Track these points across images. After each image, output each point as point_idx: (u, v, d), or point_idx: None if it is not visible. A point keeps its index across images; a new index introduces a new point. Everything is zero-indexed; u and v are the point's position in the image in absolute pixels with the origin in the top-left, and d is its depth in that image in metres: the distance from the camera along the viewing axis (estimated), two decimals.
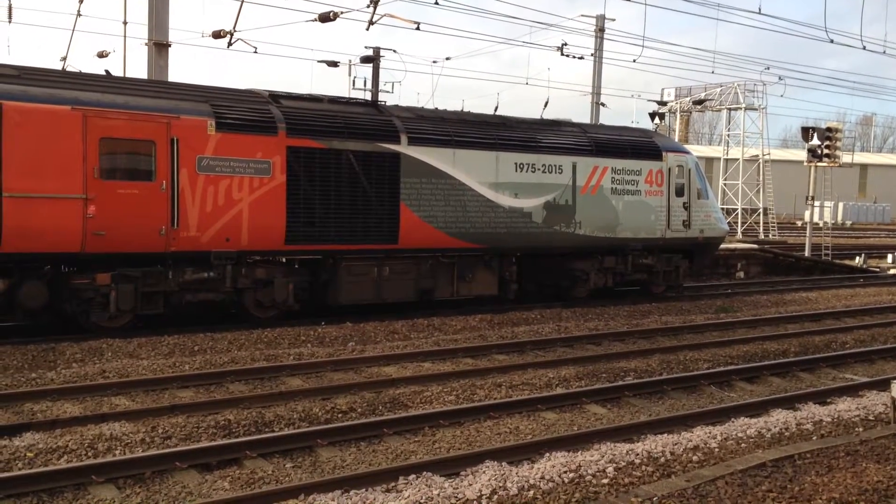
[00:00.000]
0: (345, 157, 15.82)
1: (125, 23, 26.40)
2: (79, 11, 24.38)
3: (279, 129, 15.13)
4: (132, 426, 9.14)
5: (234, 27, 21.44)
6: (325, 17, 21.91)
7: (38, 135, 12.89)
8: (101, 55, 30.47)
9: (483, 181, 17.68)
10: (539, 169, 18.57)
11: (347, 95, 33.19)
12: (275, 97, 15.85)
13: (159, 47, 19.11)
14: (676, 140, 34.95)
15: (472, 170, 17.50)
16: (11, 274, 13.20)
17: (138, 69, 21.28)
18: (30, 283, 13.33)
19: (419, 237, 16.86)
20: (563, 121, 20.59)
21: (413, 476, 7.84)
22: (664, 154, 20.97)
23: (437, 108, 19.07)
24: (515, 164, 18.20)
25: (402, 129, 16.72)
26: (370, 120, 16.51)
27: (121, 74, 15.47)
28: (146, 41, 19.37)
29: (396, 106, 17.94)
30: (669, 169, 20.91)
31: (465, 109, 19.70)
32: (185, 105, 14.37)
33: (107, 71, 15.63)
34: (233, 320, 15.55)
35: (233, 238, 14.67)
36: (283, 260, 15.84)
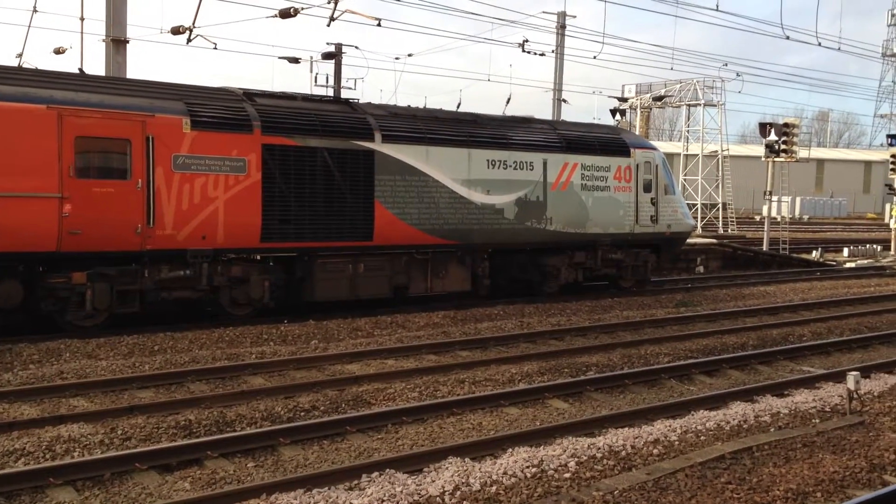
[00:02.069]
0: (319, 154, 15.90)
1: (82, 19, 26.06)
2: (35, 7, 24.04)
3: (254, 126, 15.18)
4: (91, 427, 9.04)
5: (194, 23, 21.29)
6: (285, 14, 21.79)
7: (13, 133, 12.85)
8: (58, 52, 30.04)
9: (456, 178, 17.84)
10: (510, 166, 18.75)
11: (309, 92, 32.93)
12: (249, 95, 15.91)
13: (117, 44, 18.89)
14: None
15: (444, 167, 17.64)
16: None
17: (96, 66, 21.07)
18: (5, 282, 13.26)
19: (393, 234, 16.95)
20: (533, 118, 20.75)
21: (376, 474, 7.84)
22: (632, 150, 21.29)
23: (409, 106, 19.16)
24: (487, 160, 18.37)
25: (376, 127, 16.82)
26: (344, 118, 16.61)
27: (78, 71, 15.23)
28: (104, 38, 19.13)
29: (369, 104, 18.04)
30: (637, 165, 21.23)
31: (428, 106, 19.71)
32: (159, 103, 14.37)
33: (80, 69, 15.51)
34: (207, 319, 15.44)
35: (209, 236, 14.69)
36: (258, 258, 15.79)
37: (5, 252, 12.94)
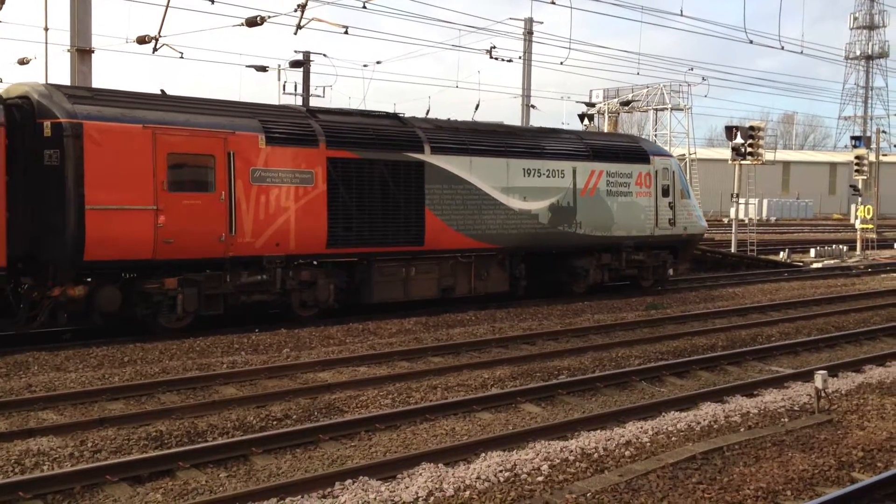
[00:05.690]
0: (377, 166, 17.16)
1: (46, 29, 25.74)
2: None
3: (320, 141, 16.44)
4: (60, 440, 8.96)
5: (160, 32, 21.12)
6: (252, 22, 21.71)
7: (114, 152, 13.99)
8: (23, 62, 29.72)
9: (496, 186, 19.08)
10: (544, 174, 20.04)
11: (278, 100, 32.82)
12: (312, 112, 17.29)
13: (82, 53, 18.71)
14: None
15: (486, 175, 18.90)
16: (89, 280, 14.18)
17: (61, 76, 20.87)
18: (106, 288, 14.29)
19: (442, 239, 18.21)
20: (561, 129, 22.07)
21: (349, 481, 7.83)
22: (651, 157, 22.69)
23: (449, 119, 20.20)
24: (523, 169, 19.63)
25: (425, 140, 18.10)
26: (397, 131, 17.89)
27: (160, 92, 16.24)
28: (69, 47, 18.95)
29: (414, 117, 19.21)
30: (656, 171, 22.60)
31: (398, 112, 19.90)
32: (238, 121, 15.59)
33: (162, 90, 16.35)
34: (270, 320, 16.41)
35: (282, 243, 15.89)
36: (315, 263, 16.74)
37: (110, 260, 14.13)
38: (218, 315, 15.56)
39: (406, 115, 18.98)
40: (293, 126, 16.27)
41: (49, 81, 16.10)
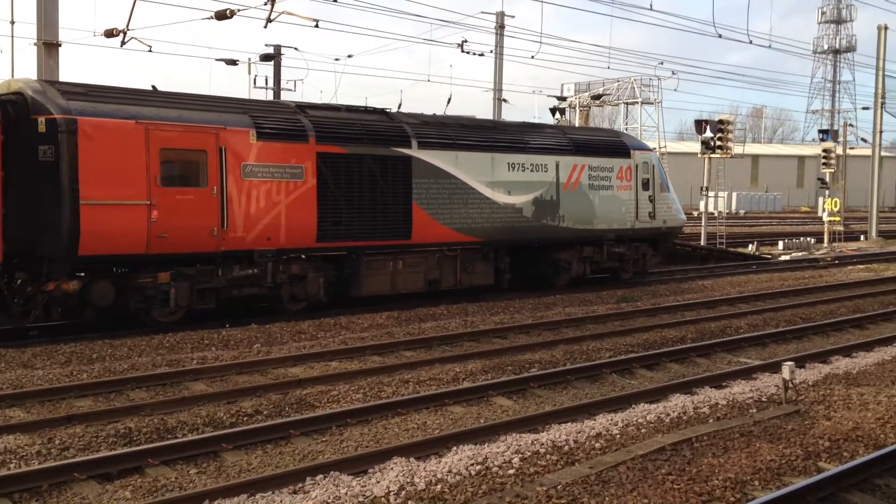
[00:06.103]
0: (365, 161, 17.34)
1: (13, 22, 25.37)
2: None
3: (309, 136, 16.57)
4: (27, 438, 8.88)
5: (128, 25, 20.94)
6: (221, 15, 21.57)
7: (108, 147, 14.07)
8: None
9: (481, 180, 19.32)
10: (528, 168, 20.32)
11: (248, 94, 32.65)
12: (301, 107, 17.37)
13: (49, 47, 18.51)
14: None
15: (471, 170, 19.14)
16: (82, 275, 14.29)
17: (28, 70, 20.58)
18: (100, 282, 14.42)
19: (428, 233, 18.45)
20: (544, 124, 22.39)
21: (320, 476, 7.82)
22: (632, 152, 23.07)
23: (435, 114, 20.37)
24: (508, 163, 19.93)
25: (413, 135, 18.27)
26: (385, 126, 18.07)
27: (152, 88, 16.18)
28: (35, 41, 18.73)
29: (401, 112, 19.37)
30: (637, 165, 22.98)
31: (369, 105, 19.90)
32: (230, 117, 15.70)
33: (153, 86, 16.37)
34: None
35: (273, 237, 16.04)
36: (304, 257, 16.82)
37: (105, 255, 14.20)
38: (210, 309, 15.65)
39: (394, 111, 19.12)
40: (283, 121, 16.41)
41: (16, 76, 15.90)
